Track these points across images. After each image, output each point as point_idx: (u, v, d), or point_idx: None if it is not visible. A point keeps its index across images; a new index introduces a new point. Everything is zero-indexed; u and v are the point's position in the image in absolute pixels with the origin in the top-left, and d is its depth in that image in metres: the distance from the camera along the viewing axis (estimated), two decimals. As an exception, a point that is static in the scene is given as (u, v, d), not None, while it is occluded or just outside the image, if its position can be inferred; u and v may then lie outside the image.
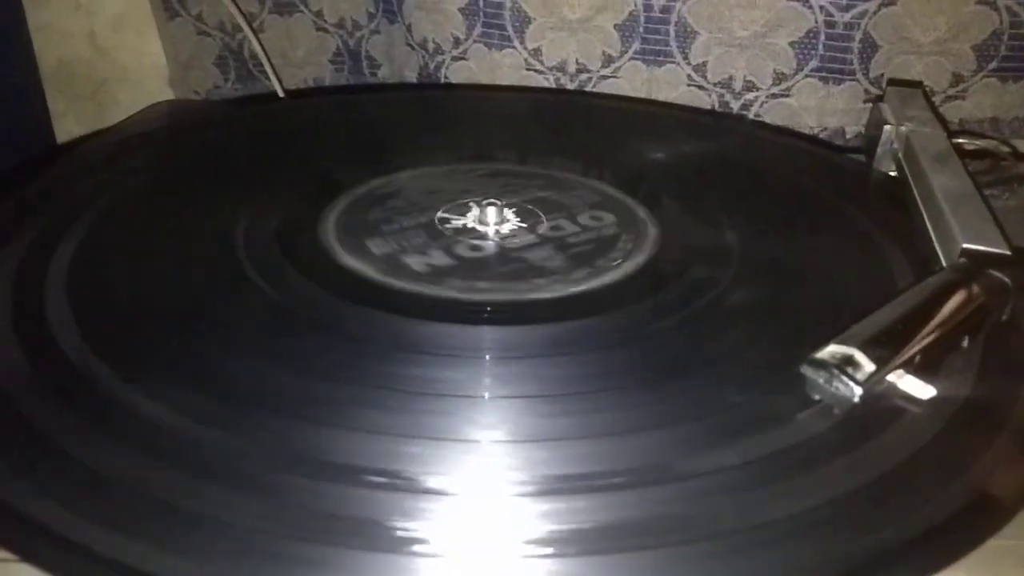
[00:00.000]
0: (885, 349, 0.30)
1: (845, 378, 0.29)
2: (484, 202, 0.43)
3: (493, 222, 0.42)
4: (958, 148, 0.43)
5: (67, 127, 0.77)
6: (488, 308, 0.35)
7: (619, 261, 0.39)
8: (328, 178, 0.47)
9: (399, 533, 0.24)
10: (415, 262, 0.39)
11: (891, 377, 0.30)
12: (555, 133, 0.55)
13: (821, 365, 0.30)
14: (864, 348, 0.30)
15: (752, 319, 0.35)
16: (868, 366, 0.29)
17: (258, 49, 0.69)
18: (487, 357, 0.32)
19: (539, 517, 0.25)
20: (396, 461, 0.27)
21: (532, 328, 0.34)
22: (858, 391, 0.29)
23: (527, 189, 0.46)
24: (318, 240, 0.40)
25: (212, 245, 0.39)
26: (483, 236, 0.41)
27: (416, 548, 0.24)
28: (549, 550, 0.24)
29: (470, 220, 0.42)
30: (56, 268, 0.36)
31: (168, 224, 0.41)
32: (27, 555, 0.24)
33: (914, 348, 0.31)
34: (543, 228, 0.42)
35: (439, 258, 0.39)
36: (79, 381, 0.30)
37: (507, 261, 0.39)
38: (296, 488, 0.26)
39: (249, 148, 0.52)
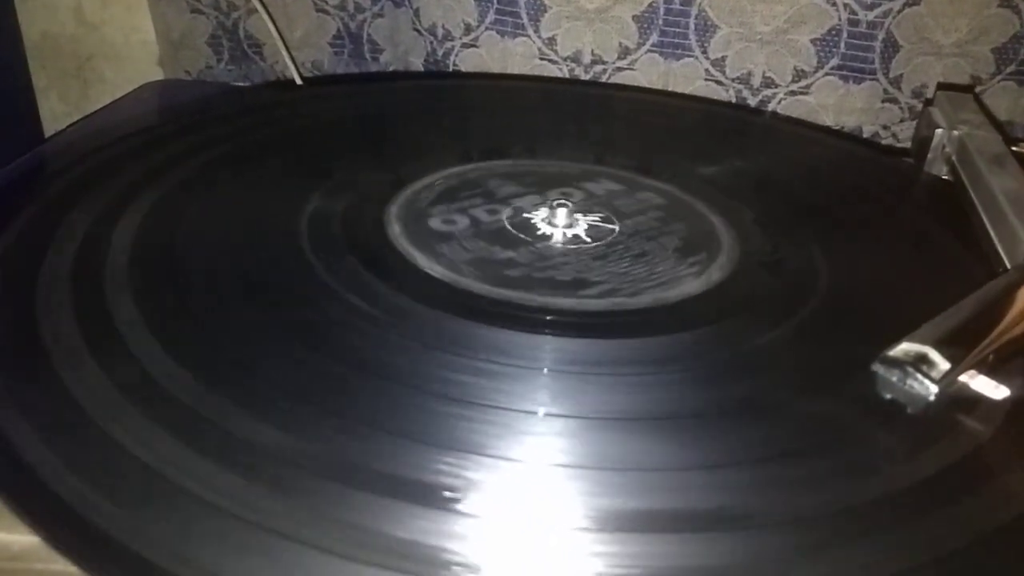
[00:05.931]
0: (959, 347, 0.29)
1: (920, 376, 0.28)
2: (555, 202, 0.40)
3: (562, 224, 0.39)
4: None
5: (50, 104, 0.73)
6: (548, 316, 0.33)
7: (693, 273, 0.37)
8: (391, 171, 0.44)
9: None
10: (477, 260, 0.36)
11: (963, 378, 0.29)
12: (632, 132, 0.54)
13: (894, 363, 0.29)
14: (938, 346, 0.29)
15: (847, 335, 0.33)
16: (943, 364, 0.29)
17: (273, 33, 0.66)
18: (545, 370, 0.30)
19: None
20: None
21: (606, 341, 0.32)
22: (934, 389, 0.28)
23: (600, 189, 0.43)
24: (384, 235, 0.38)
25: (275, 236, 0.37)
26: (551, 238, 0.38)
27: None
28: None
29: (538, 220, 0.40)
30: (117, 260, 0.34)
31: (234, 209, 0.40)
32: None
33: (987, 347, 0.30)
34: (615, 233, 0.39)
35: (506, 259, 0.36)
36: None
37: (575, 266, 0.36)
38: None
39: (302, 137, 0.49)
